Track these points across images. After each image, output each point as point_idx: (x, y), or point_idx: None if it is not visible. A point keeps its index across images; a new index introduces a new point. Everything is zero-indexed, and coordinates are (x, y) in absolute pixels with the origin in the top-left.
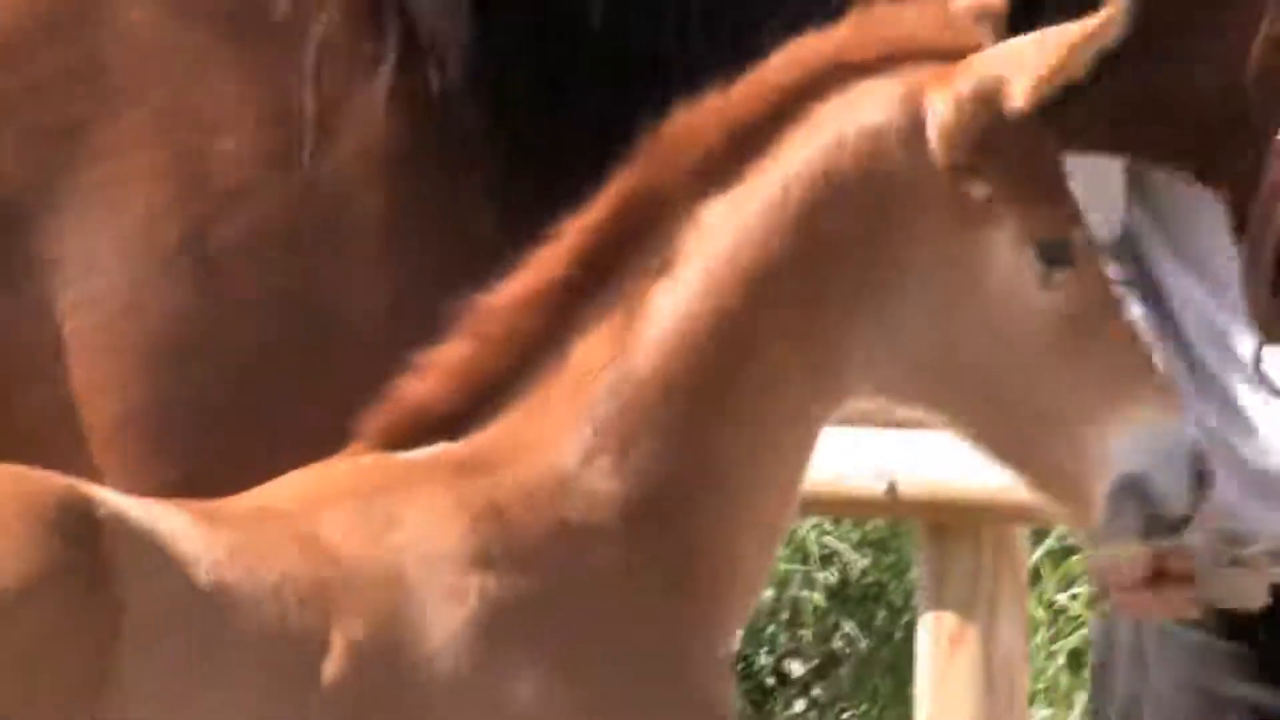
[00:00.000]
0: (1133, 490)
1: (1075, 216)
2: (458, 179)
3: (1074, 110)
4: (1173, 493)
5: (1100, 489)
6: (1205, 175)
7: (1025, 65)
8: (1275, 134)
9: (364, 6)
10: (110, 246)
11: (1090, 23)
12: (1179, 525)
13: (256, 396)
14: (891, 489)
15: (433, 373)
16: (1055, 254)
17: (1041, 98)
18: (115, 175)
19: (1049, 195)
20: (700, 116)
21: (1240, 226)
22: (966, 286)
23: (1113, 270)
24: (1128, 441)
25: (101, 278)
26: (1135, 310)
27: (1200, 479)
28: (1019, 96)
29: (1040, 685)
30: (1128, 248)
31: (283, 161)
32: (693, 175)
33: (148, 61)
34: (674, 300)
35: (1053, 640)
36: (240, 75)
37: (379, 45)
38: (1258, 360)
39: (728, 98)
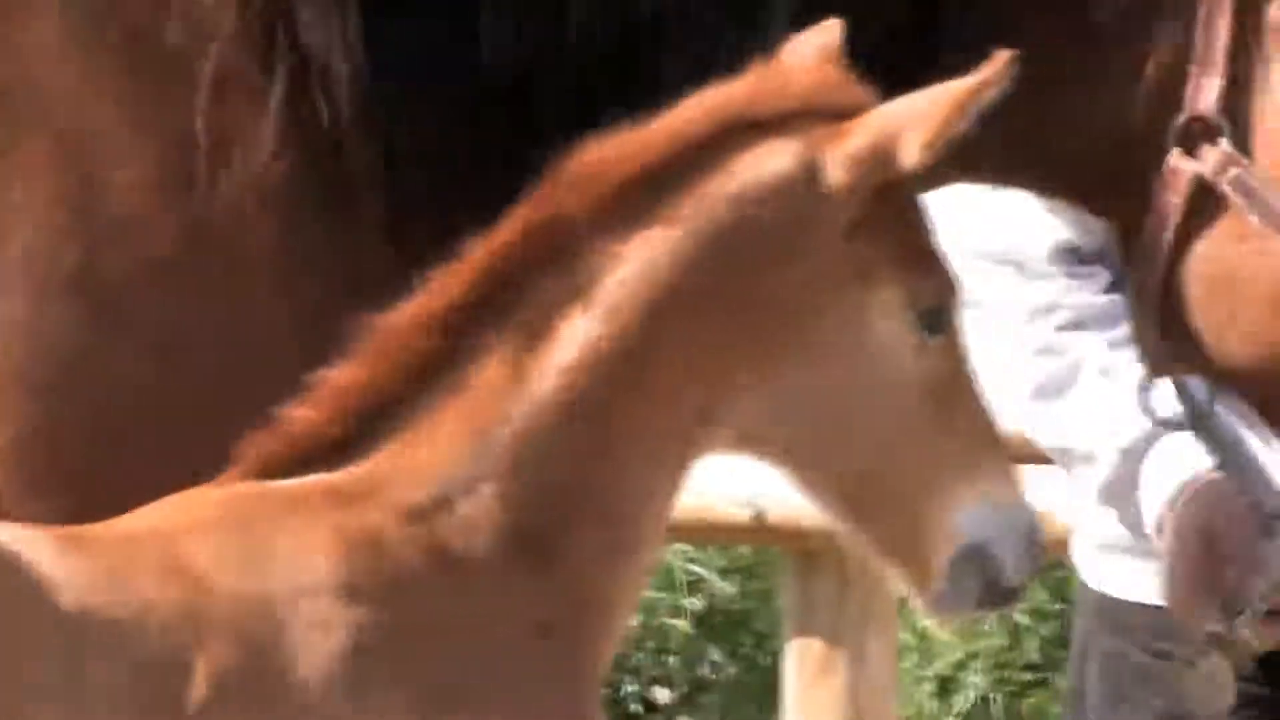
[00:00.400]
0: (973, 560)
1: (951, 285)
2: (352, 213)
3: (967, 142)
4: (1010, 564)
5: (942, 556)
6: (1096, 208)
7: (917, 123)
8: (1162, 168)
9: (256, 38)
10: (9, 271)
11: (978, 78)
12: (1013, 595)
13: (149, 425)
14: (758, 516)
15: (321, 396)
16: (932, 321)
17: (933, 154)
18: (14, 200)
19: (931, 260)
20: (611, 152)
21: (1127, 255)
22: (850, 344)
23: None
24: (971, 512)
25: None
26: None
27: (1035, 552)
28: (911, 152)
29: (909, 712)
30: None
31: (177, 191)
32: (602, 208)
33: (47, 87)
34: (575, 330)
35: (921, 666)
36: (136, 104)
37: (270, 77)
38: (1144, 391)
39: (638, 138)
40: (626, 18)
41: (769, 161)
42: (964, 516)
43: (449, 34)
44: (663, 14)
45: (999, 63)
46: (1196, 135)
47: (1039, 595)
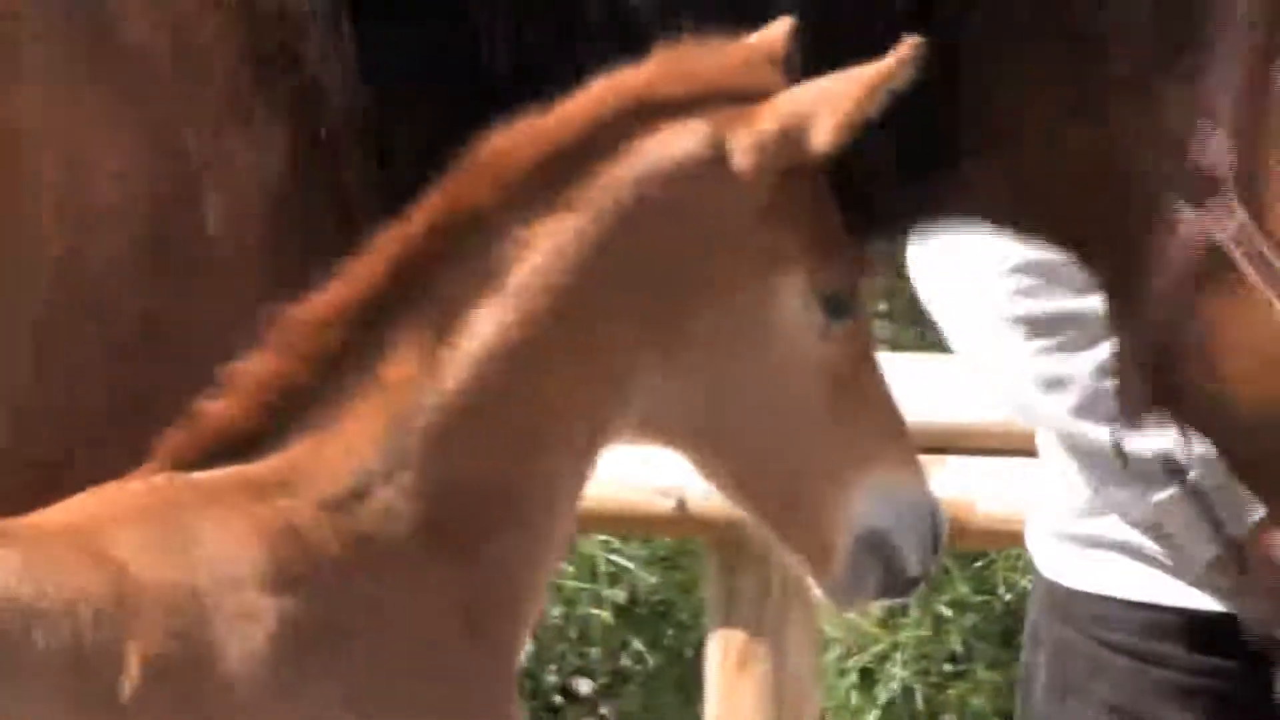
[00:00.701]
0: (874, 548)
1: (858, 270)
2: (347, 215)
3: (971, 181)
4: (912, 552)
5: (843, 544)
6: (1084, 254)
7: (826, 107)
8: (1163, 221)
9: (251, 50)
10: None
11: (885, 64)
12: (914, 584)
13: (129, 423)
14: (680, 506)
15: (233, 390)
16: (838, 306)
17: (842, 138)
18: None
19: (838, 245)
20: (516, 139)
21: (1115, 307)
22: (754, 330)
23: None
24: (873, 499)
25: None
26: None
27: (936, 542)
28: (821, 137)
29: (831, 703)
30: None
31: (166, 192)
32: (508, 195)
33: (40, 113)
34: (485, 318)
35: (844, 658)
36: (123, 103)
37: (267, 89)
38: (1117, 439)
39: (544, 123)
40: (628, 15)
41: (675, 143)
42: (865, 504)
43: (446, 34)
44: (665, 11)
45: (908, 47)
46: (1204, 191)
47: (961, 587)
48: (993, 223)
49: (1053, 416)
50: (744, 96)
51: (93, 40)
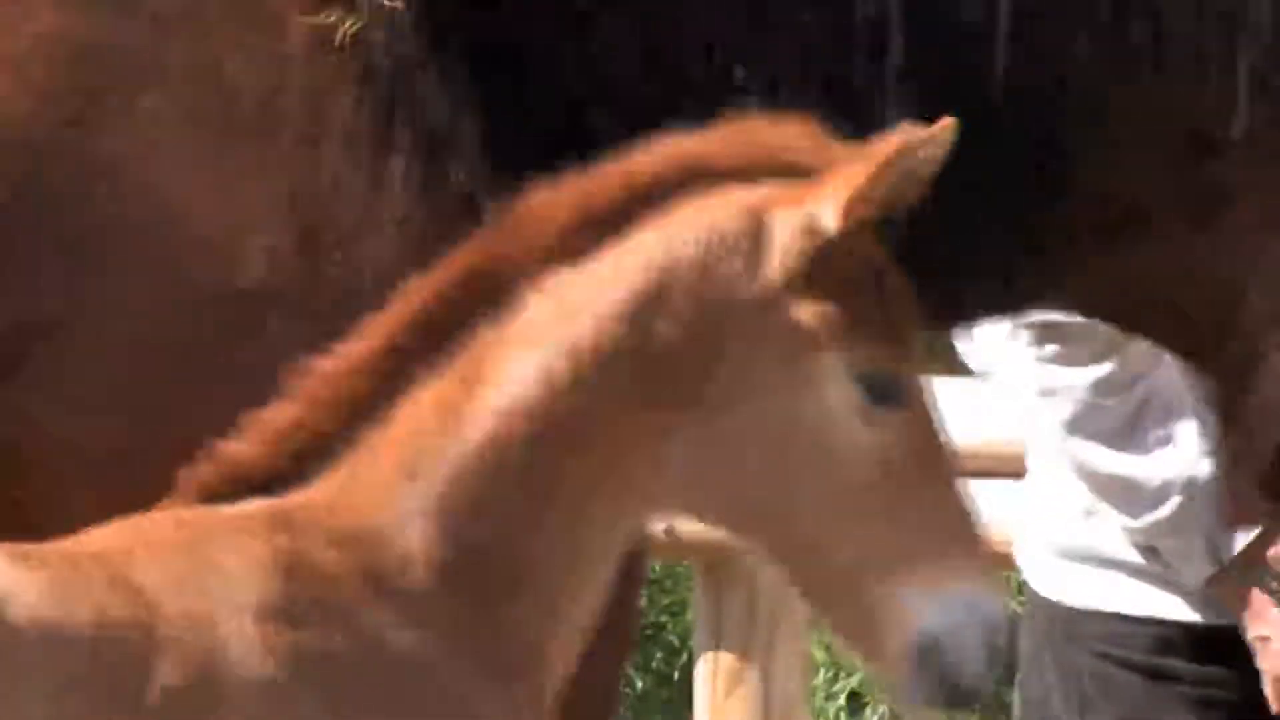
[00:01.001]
0: (929, 654)
1: (909, 354)
2: None
3: (1081, 284)
4: (967, 662)
5: (899, 647)
6: (1190, 357)
7: (840, 186)
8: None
9: (368, 101)
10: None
11: (898, 141)
12: (973, 694)
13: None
14: (670, 530)
15: (255, 432)
16: (882, 390)
17: (856, 219)
18: (117, 263)
19: (881, 329)
20: (557, 196)
21: (1224, 415)
22: (788, 412)
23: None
24: (930, 603)
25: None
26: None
27: (996, 651)
28: (829, 218)
29: None
30: None
31: (303, 251)
32: (542, 250)
33: (162, 159)
34: (510, 374)
35: (833, 681)
36: (256, 172)
37: (392, 138)
38: (1212, 538)
39: (589, 183)
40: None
41: (715, 213)
42: (918, 608)
43: (567, 82)
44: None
45: (932, 134)
46: None
47: None
48: (1090, 316)
49: (1048, 426)
50: (805, 175)
51: (200, 89)
